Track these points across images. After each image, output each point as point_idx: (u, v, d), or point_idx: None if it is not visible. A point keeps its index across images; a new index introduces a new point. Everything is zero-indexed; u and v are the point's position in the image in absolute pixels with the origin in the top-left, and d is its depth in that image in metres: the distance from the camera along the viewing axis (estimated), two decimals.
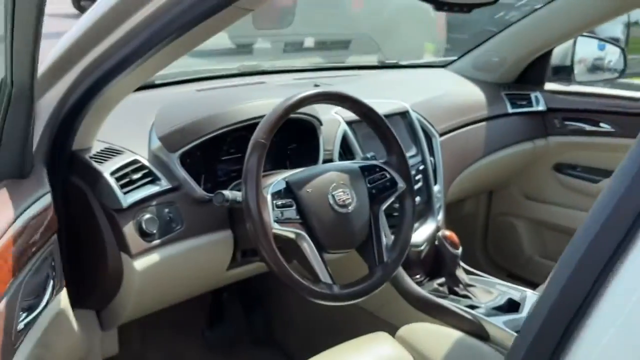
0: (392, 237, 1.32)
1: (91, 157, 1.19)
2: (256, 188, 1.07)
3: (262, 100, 1.40)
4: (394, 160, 1.30)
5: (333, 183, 1.20)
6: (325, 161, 1.47)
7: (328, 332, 1.82)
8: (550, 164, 2.26)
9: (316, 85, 1.77)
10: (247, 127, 1.36)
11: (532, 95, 2.21)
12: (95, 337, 1.37)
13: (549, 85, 2.27)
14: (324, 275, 1.14)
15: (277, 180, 1.17)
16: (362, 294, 1.18)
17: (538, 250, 2.35)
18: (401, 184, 1.28)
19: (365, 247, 1.24)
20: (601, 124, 2.12)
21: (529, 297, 1.46)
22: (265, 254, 1.07)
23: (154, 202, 1.20)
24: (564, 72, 2.29)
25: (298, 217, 1.14)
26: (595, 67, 2.23)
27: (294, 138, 1.48)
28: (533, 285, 1.61)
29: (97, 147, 1.22)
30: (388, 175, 1.28)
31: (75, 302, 1.27)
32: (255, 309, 1.98)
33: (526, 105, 2.18)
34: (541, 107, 2.21)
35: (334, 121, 1.56)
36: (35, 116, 1.16)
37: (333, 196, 1.18)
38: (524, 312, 1.41)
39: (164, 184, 1.22)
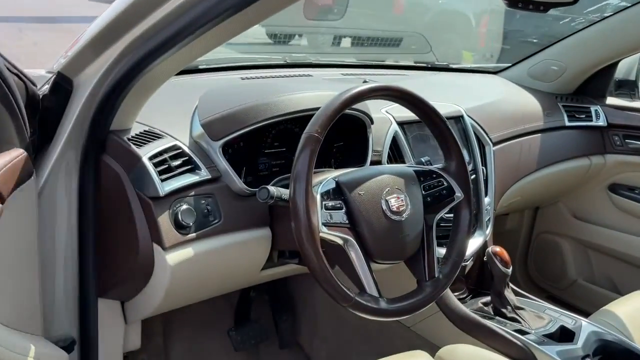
0: (442, 250, 1.22)
1: (129, 139, 1.11)
2: (306, 187, 0.97)
3: (312, 92, 1.31)
4: (453, 167, 1.19)
5: (387, 187, 1.10)
6: (373, 162, 1.37)
7: (359, 342, 1.72)
8: (605, 183, 2.13)
9: (365, 82, 1.67)
10: (294, 120, 1.27)
11: (592, 109, 2.08)
12: (118, 329, 1.30)
13: (611, 100, 2.13)
14: (370, 287, 1.04)
15: (326, 179, 1.07)
16: (409, 311, 1.08)
17: (583, 274, 2.22)
18: (459, 193, 1.18)
19: (415, 260, 1.14)
20: None
21: (584, 326, 1.34)
22: (309, 259, 0.98)
23: (192, 193, 1.11)
24: (627, 87, 2.15)
25: (347, 221, 1.04)
26: None
27: (341, 135, 1.38)
28: (575, 310, 1.50)
29: (136, 129, 1.15)
30: (445, 183, 1.18)
31: (99, 291, 1.20)
32: (283, 311, 1.89)
33: (585, 119, 2.05)
34: (601, 122, 2.07)
35: (384, 120, 1.47)
36: (74, 90, 1.10)
37: (387, 201, 1.08)
38: (579, 342, 1.29)
39: (204, 174, 1.14)
